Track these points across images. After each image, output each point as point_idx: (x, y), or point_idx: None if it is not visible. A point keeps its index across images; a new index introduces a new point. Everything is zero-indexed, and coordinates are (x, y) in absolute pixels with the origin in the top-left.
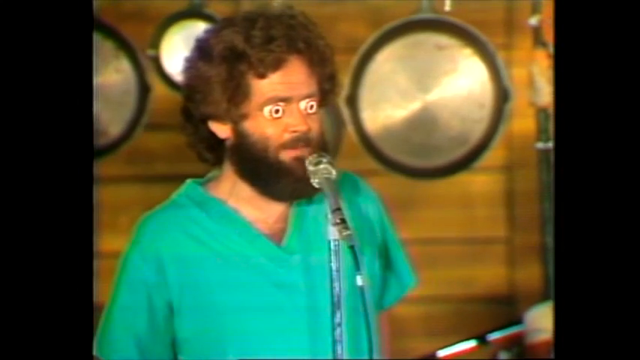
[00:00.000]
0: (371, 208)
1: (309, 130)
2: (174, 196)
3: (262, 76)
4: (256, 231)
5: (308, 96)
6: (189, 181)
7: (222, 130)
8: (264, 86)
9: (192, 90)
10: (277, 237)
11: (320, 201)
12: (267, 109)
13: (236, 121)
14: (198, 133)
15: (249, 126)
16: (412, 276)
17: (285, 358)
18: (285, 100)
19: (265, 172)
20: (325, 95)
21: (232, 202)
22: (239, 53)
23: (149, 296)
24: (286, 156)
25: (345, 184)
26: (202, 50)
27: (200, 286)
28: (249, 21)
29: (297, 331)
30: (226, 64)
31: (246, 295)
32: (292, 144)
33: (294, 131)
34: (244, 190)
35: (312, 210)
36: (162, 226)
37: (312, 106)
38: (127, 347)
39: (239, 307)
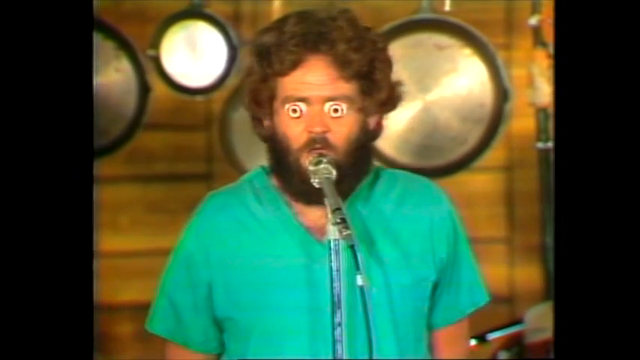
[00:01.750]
0: (438, 219)
1: (326, 132)
2: (241, 179)
3: (281, 74)
4: (299, 224)
5: (331, 99)
6: (258, 166)
7: (259, 126)
8: (285, 84)
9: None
10: (321, 233)
11: (374, 202)
12: (286, 108)
13: (268, 118)
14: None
15: (276, 123)
16: (483, 294)
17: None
18: (303, 100)
19: (285, 170)
20: (368, 101)
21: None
22: (266, 51)
23: (192, 272)
24: (303, 156)
25: (413, 191)
26: (251, 46)
27: (236, 273)
28: (284, 20)
29: (322, 329)
30: (257, 61)
31: (277, 288)
32: (308, 144)
33: (310, 132)
34: None
35: (363, 210)
36: (217, 206)
37: (335, 110)
38: (169, 319)
39: (269, 299)
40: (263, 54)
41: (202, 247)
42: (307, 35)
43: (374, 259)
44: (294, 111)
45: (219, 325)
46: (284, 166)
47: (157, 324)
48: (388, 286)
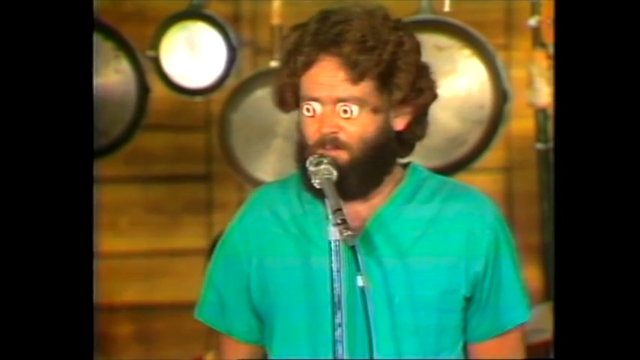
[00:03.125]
0: (477, 231)
1: (337, 133)
2: (291, 173)
3: (298, 73)
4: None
5: (341, 100)
6: None
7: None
8: (303, 83)
9: None
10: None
11: (414, 208)
12: (303, 106)
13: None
14: None
15: (299, 121)
16: (523, 312)
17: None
18: (316, 100)
19: (301, 169)
20: (383, 101)
21: None
22: (289, 49)
23: (235, 262)
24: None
25: (455, 201)
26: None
27: (268, 268)
28: (310, 19)
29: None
30: (283, 59)
31: (302, 289)
32: (318, 144)
33: (321, 132)
34: None
35: (398, 214)
36: (263, 200)
37: (345, 111)
38: (214, 308)
39: (294, 301)
40: (287, 52)
41: (245, 239)
42: (320, 35)
43: (402, 269)
44: (308, 110)
45: (260, 317)
46: (303, 165)
47: (203, 312)
48: (411, 297)
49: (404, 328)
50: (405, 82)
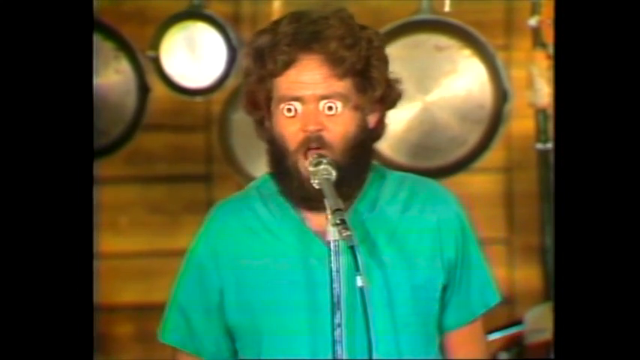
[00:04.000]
0: (445, 220)
1: (321, 130)
2: (249, 186)
3: (275, 74)
4: (307, 229)
5: (325, 97)
6: (266, 174)
7: (260, 131)
8: (280, 84)
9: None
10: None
11: (380, 205)
12: (281, 107)
13: (267, 120)
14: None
15: (274, 125)
16: (494, 294)
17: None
18: (298, 99)
19: (284, 174)
20: (364, 98)
21: None
22: (261, 52)
23: (204, 279)
24: (301, 160)
25: (419, 193)
26: (246, 49)
27: (246, 278)
28: (278, 22)
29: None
30: (253, 62)
31: (285, 291)
32: (304, 144)
33: (305, 130)
34: None
35: (368, 214)
36: (226, 214)
37: (330, 107)
38: (181, 329)
39: (277, 303)
40: (258, 55)
41: (213, 253)
42: (299, 35)
43: (376, 263)
44: (289, 110)
45: (231, 335)
46: (283, 170)
47: (169, 334)
48: (392, 289)
49: (387, 322)
50: (381, 78)
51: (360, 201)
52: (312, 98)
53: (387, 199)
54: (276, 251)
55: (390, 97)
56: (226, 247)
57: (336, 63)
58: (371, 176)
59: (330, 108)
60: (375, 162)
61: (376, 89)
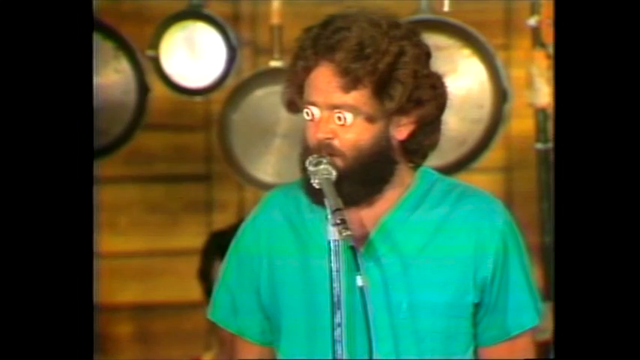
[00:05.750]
0: (486, 236)
1: (332, 139)
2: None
3: (300, 76)
4: None
5: (335, 107)
6: None
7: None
8: (305, 87)
9: None
10: (360, 241)
11: (422, 213)
12: (304, 110)
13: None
14: None
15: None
16: (532, 316)
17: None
18: (314, 104)
19: (302, 172)
20: (380, 110)
21: None
22: (294, 55)
23: (247, 264)
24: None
25: (463, 207)
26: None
27: (277, 270)
28: (317, 24)
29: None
30: (291, 63)
31: (306, 290)
32: (314, 149)
33: (317, 137)
34: None
35: (404, 221)
36: (274, 203)
37: (339, 118)
38: (226, 308)
39: (299, 302)
40: (293, 55)
41: (256, 240)
42: (320, 41)
43: (407, 276)
44: (307, 114)
45: (269, 319)
46: (303, 168)
47: (216, 311)
48: (418, 303)
49: (411, 333)
50: (399, 93)
51: (398, 208)
52: (325, 105)
53: (429, 208)
54: (306, 247)
55: (417, 112)
56: (268, 237)
57: (343, 74)
58: (417, 183)
59: (339, 118)
60: (427, 167)
61: (392, 102)
